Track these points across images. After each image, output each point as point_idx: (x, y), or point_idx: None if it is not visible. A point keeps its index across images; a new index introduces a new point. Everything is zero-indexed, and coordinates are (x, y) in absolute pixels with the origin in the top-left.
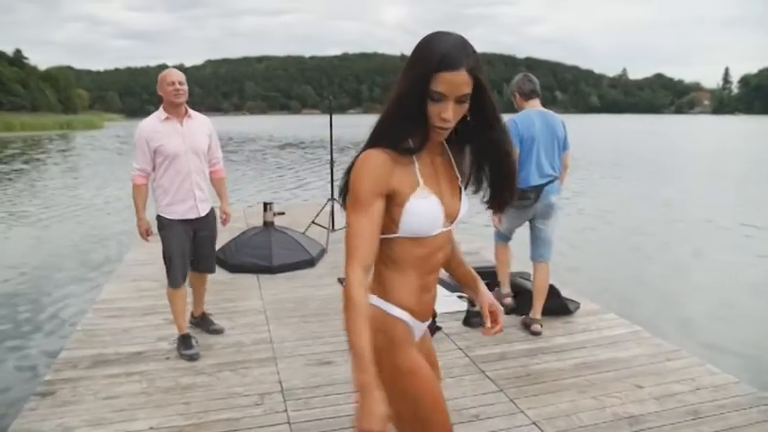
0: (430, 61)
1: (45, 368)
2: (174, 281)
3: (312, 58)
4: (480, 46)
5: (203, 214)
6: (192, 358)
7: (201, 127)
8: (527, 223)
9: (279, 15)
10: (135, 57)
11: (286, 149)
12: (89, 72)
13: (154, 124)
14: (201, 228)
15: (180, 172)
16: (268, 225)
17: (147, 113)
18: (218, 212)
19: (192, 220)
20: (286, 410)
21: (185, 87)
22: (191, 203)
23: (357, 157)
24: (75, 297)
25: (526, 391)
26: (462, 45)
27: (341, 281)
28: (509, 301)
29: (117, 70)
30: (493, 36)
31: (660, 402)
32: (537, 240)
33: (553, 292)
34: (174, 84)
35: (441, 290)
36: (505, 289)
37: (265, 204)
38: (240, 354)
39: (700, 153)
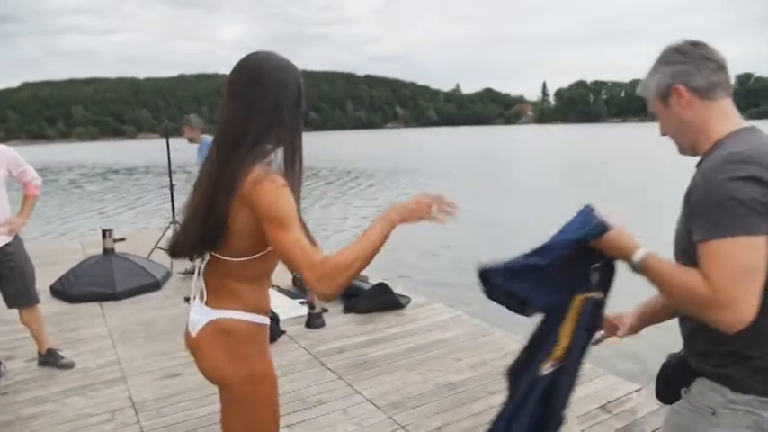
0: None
1: None
2: None
3: (147, 79)
4: (320, 64)
5: None
6: None
7: None
8: None
9: (108, 34)
10: None
11: (120, 176)
12: None
13: None
14: (2, 262)
15: None
16: (108, 252)
17: None
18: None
19: None
20: (138, 422)
21: None
22: None
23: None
24: None
25: (362, 375)
26: None
27: (187, 299)
28: None
29: None
30: (332, 54)
31: (475, 369)
32: None
33: (384, 288)
34: None
35: (283, 298)
36: None
37: (104, 231)
38: (87, 378)
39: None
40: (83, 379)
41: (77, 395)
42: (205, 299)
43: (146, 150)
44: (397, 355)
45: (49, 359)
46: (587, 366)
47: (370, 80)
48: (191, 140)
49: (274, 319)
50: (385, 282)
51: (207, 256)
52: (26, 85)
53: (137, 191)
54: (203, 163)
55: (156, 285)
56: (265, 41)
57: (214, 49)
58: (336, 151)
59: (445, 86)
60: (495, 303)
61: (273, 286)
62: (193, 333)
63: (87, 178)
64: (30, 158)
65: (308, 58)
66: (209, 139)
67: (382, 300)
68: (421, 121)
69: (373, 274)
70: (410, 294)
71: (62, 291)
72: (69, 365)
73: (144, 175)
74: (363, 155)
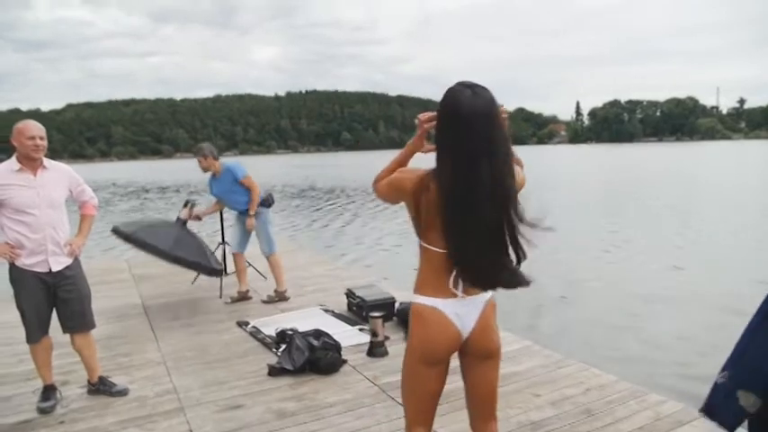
0: None
1: None
2: (30, 336)
3: (183, 100)
4: (353, 84)
5: (54, 270)
6: (44, 411)
7: (59, 179)
8: None
9: (145, 57)
10: None
11: (166, 194)
12: None
13: (4, 174)
14: (60, 285)
15: (30, 225)
16: (180, 220)
17: None
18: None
19: (44, 274)
20: None
21: (45, 143)
22: (41, 257)
23: None
24: None
25: (437, 411)
26: None
27: (240, 324)
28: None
29: None
30: (364, 74)
31: (556, 406)
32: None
33: None
34: (34, 138)
35: (341, 324)
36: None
37: (186, 202)
38: (144, 408)
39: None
40: (139, 409)
41: (135, 427)
42: (462, 290)
43: (182, 169)
44: None
45: (101, 387)
46: None
47: (401, 100)
48: (205, 170)
49: (336, 347)
50: None
51: None
52: (69, 107)
53: (164, 208)
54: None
55: (208, 270)
56: (298, 62)
57: (248, 70)
58: (368, 171)
59: None
60: (563, 332)
61: (328, 311)
62: (470, 324)
63: (119, 197)
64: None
65: (341, 77)
66: (230, 163)
67: None
68: None
69: None
70: None
71: (122, 231)
72: (124, 392)
73: (174, 194)
74: None
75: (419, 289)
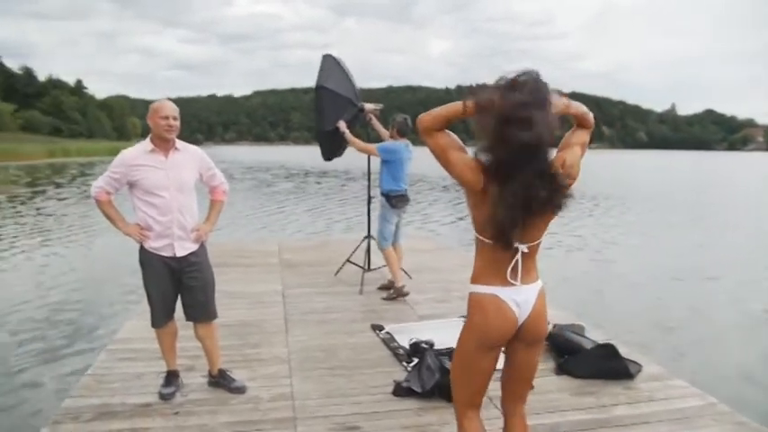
0: None
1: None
2: (154, 320)
3: (359, 89)
4: None
5: (179, 255)
6: (164, 397)
7: (189, 161)
8: None
9: (326, 49)
10: (186, 87)
11: (323, 179)
12: (144, 101)
13: (137, 155)
14: (185, 271)
15: (159, 208)
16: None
17: (195, 141)
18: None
19: (169, 258)
20: None
21: (178, 123)
22: (167, 241)
23: None
24: (102, 330)
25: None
26: None
27: (374, 328)
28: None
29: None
30: (537, 70)
31: None
32: (398, 230)
33: (612, 351)
34: (167, 118)
35: None
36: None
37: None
38: (256, 412)
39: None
40: (252, 412)
41: None
42: (520, 278)
43: (348, 155)
44: None
45: (221, 381)
46: None
47: (575, 97)
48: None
49: None
50: (612, 343)
51: (527, 246)
52: (256, 93)
53: (315, 191)
54: None
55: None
56: (470, 56)
57: (420, 63)
58: None
59: (658, 106)
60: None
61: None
62: (527, 311)
63: (282, 178)
64: (253, 158)
65: (513, 73)
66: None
67: (608, 366)
68: (628, 142)
69: (595, 331)
70: (638, 359)
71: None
72: (242, 390)
73: (333, 179)
74: None
75: (477, 279)
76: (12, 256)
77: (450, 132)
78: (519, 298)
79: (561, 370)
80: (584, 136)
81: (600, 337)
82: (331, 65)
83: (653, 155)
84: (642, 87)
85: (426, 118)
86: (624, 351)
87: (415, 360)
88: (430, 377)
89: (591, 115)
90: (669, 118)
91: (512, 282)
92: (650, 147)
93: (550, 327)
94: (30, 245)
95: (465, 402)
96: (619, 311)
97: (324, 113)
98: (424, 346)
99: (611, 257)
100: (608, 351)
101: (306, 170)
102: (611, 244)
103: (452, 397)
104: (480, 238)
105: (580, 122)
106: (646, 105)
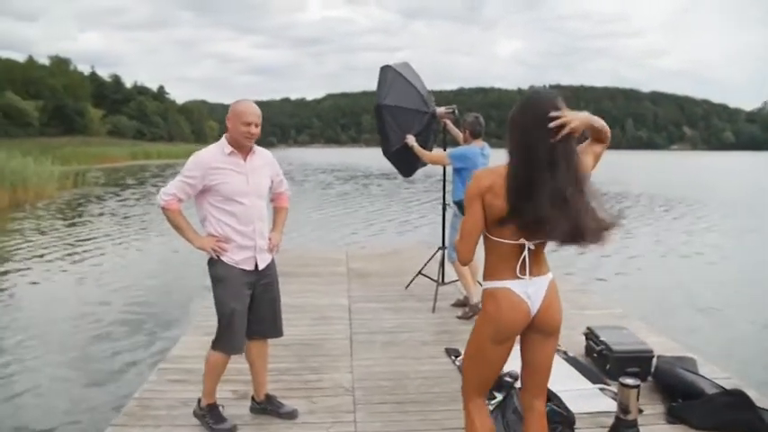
0: None
1: None
2: (234, 344)
3: (429, 92)
4: (601, 79)
5: (261, 267)
6: None
7: (265, 165)
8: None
9: (395, 52)
10: (260, 91)
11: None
12: (222, 105)
13: (215, 157)
14: (258, 284)
15: (239, 216)
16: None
17: (269, 144)
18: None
19: (250, 272)
20: None
21: (259, 130)
22: (249, 253)
23: None
24: (156, 345)
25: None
26: None
27: (449, 353)
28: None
29: None
30: (613, 69)
31: None
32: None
33: (745, 401)
34: (250, 125)
35: (578, 377)
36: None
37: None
38: None
39: None
40: None
41: None
42: (529, 272)
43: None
44: None
45: (268, 407)
46: None
47: (655, 96)
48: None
49: (568, 420)
50: (743, 391)
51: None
52: (328, 96)
53: (370, 194)
54: None
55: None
56: (543, 55)
57: (490, 64)
58: (618, 169)
59: (747, 105)
60: None
61: (560, 352)
62: (538, 302)
63: (342, 180)
64: (324, 159)
65: (588, 72)
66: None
67: (735, 417)
68: (712, 143)
69: (708, 365)
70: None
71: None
72: (293, 415)
73: (390, 180)
74: (640, 178)
75: (489, 276)
76: (72, 257)
77: (473, 209)
78: (530, 290)
79: (673, 417)
80: (598, 148)
81: (716, 374)
82: (390, 77)
83: (741, 156)
84: (728, 85)
85: (463, 251)
86: (753, 395)
87: (498, 396)
88: (516, 424)
89: (608, 131)
90: (760, 117)
91: (521, 276)
92: (737, 148)
93: (655, 359)
94: (95, 245)
95: (473, 391)
96: (731, 338)
97: (387, 134)
98: (507, 380)
99: (717, 270)
100: (738, 400)
101: (367, 173)
102: (715, 253)
103: (461, 384)
104: (489, 236)
105: (596, 137)
106: (733, 104)
